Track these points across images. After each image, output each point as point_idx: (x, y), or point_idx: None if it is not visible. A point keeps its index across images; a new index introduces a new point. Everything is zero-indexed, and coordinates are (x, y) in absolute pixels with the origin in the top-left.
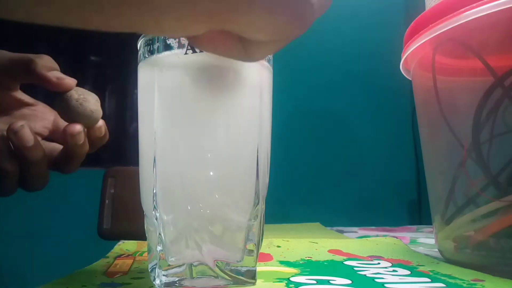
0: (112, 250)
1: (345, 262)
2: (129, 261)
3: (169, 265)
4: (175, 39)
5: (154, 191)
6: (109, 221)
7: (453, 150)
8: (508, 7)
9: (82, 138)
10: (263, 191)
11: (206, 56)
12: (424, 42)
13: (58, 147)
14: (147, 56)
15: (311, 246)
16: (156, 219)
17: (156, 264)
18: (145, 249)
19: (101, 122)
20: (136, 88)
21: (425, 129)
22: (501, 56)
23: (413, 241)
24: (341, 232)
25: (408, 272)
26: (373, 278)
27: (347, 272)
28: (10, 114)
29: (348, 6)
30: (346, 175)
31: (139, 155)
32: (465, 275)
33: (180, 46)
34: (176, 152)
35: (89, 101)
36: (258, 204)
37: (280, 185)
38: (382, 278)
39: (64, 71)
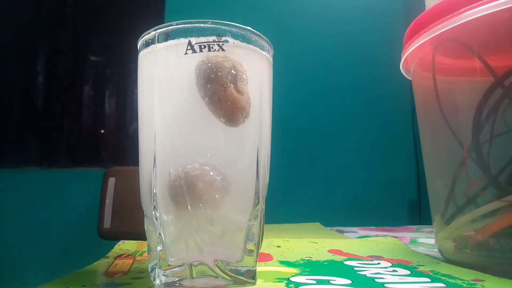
0: (112, 250)
1: (345, 262)
2: (129, 261)
3: (169, 265)
4: (174, 40)
5: (154, 191)
6: (109, 221)
7: (453, 150)
8: (508, 7)
9: None
10: (263, 191)
11: (206, 55)
12: (424, 42)
13: None
14: (147, 55)
15: (311, 246)
16: (156, 219)
17: (156, 264)
18: (145, 249)
19: None
20: (136, 88)
21: (425, 129)
22: (501, 56)
23: (413, 241)
24: (341, 232)
25: (408, 272)
26: (373, 278)
27: (347, 272)
28: None
29: (348, 7)
30: (346, 175)
31: (139, 155)
32: (465, 275)
33: (180, 45)
34: (176, 152)
35: None
36: (258, 204)
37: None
38: (382, 278)
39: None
